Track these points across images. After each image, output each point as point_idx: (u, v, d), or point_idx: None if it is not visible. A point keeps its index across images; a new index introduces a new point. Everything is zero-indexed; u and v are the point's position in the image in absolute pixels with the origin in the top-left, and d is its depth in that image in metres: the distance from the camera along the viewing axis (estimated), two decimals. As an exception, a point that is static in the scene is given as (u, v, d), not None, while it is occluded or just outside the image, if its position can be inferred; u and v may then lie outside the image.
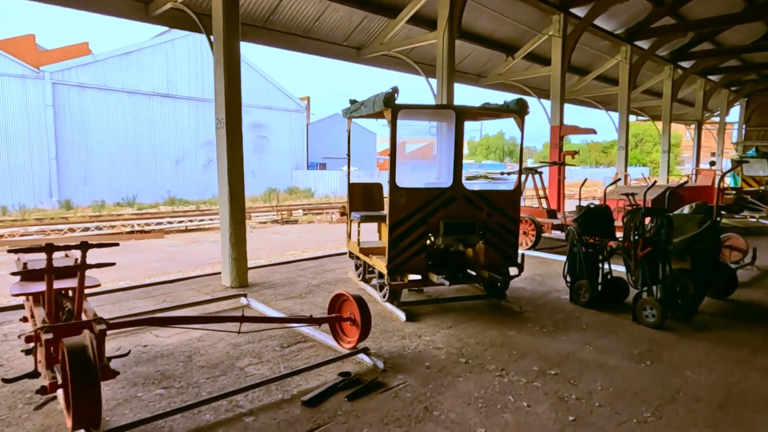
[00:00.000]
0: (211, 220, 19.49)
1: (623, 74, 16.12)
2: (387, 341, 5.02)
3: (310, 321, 4.57)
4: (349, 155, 7.60)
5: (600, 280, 6.40)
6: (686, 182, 6.10)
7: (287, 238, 16.40)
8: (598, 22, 13.55)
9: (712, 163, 14.17)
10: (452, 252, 6.02)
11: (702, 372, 4.38)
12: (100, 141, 28.58)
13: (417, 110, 5.94)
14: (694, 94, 22.43)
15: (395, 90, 5.53)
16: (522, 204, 11.00)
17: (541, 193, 10.89)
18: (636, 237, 5.68)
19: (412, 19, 11.13)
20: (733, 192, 16.02)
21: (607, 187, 9.40)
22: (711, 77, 21.97)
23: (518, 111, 6.07)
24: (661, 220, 5.74)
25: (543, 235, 10.27)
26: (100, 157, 28.60)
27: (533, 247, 10.00)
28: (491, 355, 4.71)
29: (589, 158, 70.91)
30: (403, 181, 5.69)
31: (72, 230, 16.65)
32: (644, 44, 16.24)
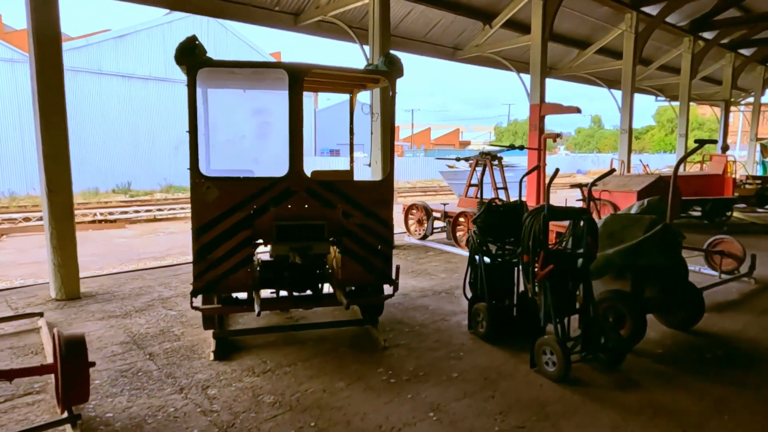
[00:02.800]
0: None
1: (685, 63, 16.53)
2: (151, 396, 3.53)
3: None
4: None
5: (515, 301, 4.75)
6: (612, 171, 4.25)
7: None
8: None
9: (725, 148, 12.04)
10: (298, 264, 4.42)
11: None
12: (95, 127, 27.93)
13: (230, 70, 4.37)
14: (722, 71, 19.82)
15: (192, 39, 3.97)
16: (484, 197, 9.28)
17: (500, 183, 9.10)
18: (536, 248, 3.98)
19: (506, 24, 12.32)
20: (757, 182, 13.74)
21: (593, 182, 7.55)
22: (742, 51, 19.32)
23: (388, 72, 4.43)
24: (584, 224, 4.02)
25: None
26: (95, 143, 27.95)
27: (424, 238, 9.29)
28: (279, 426, 3.16)
29: (610, 145, 67.03)
30: (218, 168, 4.18)
31: (28, 219, 15.78)
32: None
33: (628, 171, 14.21)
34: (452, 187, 22.10)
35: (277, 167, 4.40)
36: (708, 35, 16.66)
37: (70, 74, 26.54)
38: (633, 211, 4.96)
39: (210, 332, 4.47)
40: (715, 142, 4.51)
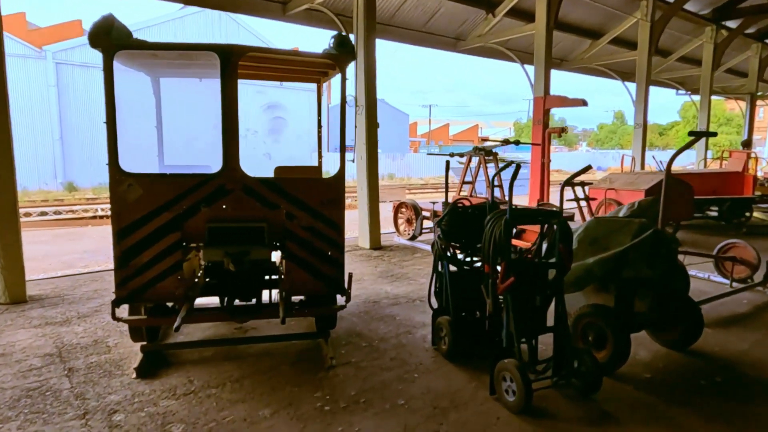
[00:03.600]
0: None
1: (707, 54, 15.91)
2: (47, 422, 3.11)
3: None
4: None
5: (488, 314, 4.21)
6: (588, 168, 3.66)
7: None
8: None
9: (746, 144, 11.19)
10: (240, 271, 3.94)
11: None
12: (142, 121, 27.97)
13: (153, 53, 3.91)
14: (748, 63, 18.76)
15: (109, 19, 3.52)
16: (476, 194, 8.72)
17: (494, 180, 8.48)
18: (497, 257, 3.43)
19: (510, 12, 11.78)
20: (782, 180, 12.82)
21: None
22: (770, 41, 18.24)
23: (336, 55, 3.92)
24: (557, 229, 3.47)
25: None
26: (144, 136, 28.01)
27: (413, 238, 8.86)
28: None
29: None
30: (138, 164, 3.74)
31: (28, 214, 15.71)
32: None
33: (642, 167, 13.45)
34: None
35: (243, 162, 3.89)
36: (732, 24, 15.74)
37: (81, 69, 26.91)
38: (622, 213, 4.36)
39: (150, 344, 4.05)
40: (713, 134, 3.89)
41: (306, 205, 3.97)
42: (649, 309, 4.09)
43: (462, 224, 4.15)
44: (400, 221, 9.12)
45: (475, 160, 8.82)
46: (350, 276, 4.19)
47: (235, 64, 3.70)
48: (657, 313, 4.04)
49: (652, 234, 3.83)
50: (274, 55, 4.02)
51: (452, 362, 3.99)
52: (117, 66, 4.04)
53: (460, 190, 8.84)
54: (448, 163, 4.85)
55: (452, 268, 4.20)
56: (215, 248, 3.79)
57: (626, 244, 3.87)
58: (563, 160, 51.51)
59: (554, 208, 7.86)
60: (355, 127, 7.86)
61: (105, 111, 3.59)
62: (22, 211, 16.35)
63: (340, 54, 3.90)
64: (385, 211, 9.30)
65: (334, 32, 9.26)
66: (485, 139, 9.28)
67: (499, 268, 3.39)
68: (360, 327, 4.75)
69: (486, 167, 8.40)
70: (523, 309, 3.44)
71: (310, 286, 4.07)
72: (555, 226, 3.50)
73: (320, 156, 5.79)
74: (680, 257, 6.41)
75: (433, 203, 8.67)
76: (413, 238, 8.76)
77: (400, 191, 23.49)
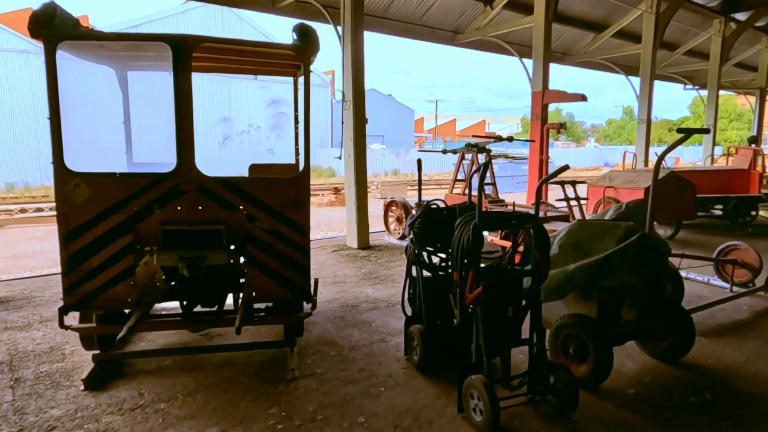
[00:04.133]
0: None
1: (714, 48, 15.45)
2: (-23, 440, 2.90)
3: None
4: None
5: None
6: (566, 167, 3.35)
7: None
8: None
9: (753, 140, 10.79)
10: (194, 277, 3.69)
11: None
12: (109, 117, 27.92)
13: (100, 43, 3.67)
14: (759, 56, 18.25)
15: (51, 6, 3.28)
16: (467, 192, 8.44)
17: (487, 178, 8.21)
18: (465, 265, 3.17)
19: (509, 4, 11.46)
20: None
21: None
22: (781, 34, 17.71)
23: (297, 46, 3.66)
24: (533, 234, 3.20)
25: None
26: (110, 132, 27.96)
27: (402, 238, 8.49)
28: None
29: (652, 136, 63.96)
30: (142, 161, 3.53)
31: (24, 210, 15.61)
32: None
33: (645, 164, 13.08)
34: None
35: (212, 159, 3.66)
36: (741, 16, 15.27)
37: (87, 65, 26.85)
38: (608, 216, 4.07)
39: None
40: (707, 131, 3.59)
41: (267, 207, 3.72)
42: (636, 318, 3.82)
43: (436, 226, 3.88)
44: (390, 220, 8.86)
45: (475, 158, 8.52)
46: (316, 281, 3.95)
47: (188, 55, 3.45)
48: (644, 323, 3.76)
49: (638, 239, 3.54)
50: (232, 47, 3.77)
51: (424, 375, 3.74)
52: (78, 59, 3.83)
53: (453, 188, 8.57)
54: (419, 161, 4.58)
55: (429, 273, 3.95)
56: (169, 252, 3.56)
57: (610, 249, 3.59)
58: (570, 157, 50.92)
59: (542, 210, 7.55)
60: (342, 122, 7.60)
61: (48, 105, 3.36)
62: (16, 207, 16.30)
63: (303, 45, 3.64)
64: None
65: (328, 25, 8.94)
66: (477, 136, 8.98)
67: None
68: (333, 334, 4.51)
69: (478, 164, 8.10)
70: (495, 320, 3.18)
71: (274, 292, 3.83)
72: (524, 233, 3.23)
73: (297, 154, 5.53)
74: (677, 261, 6.12)
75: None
76: (403, 237, 8.51)
77: (402, 188, 23.19)
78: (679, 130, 3.39)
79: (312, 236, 10.41)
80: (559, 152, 52.87)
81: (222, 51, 4.00)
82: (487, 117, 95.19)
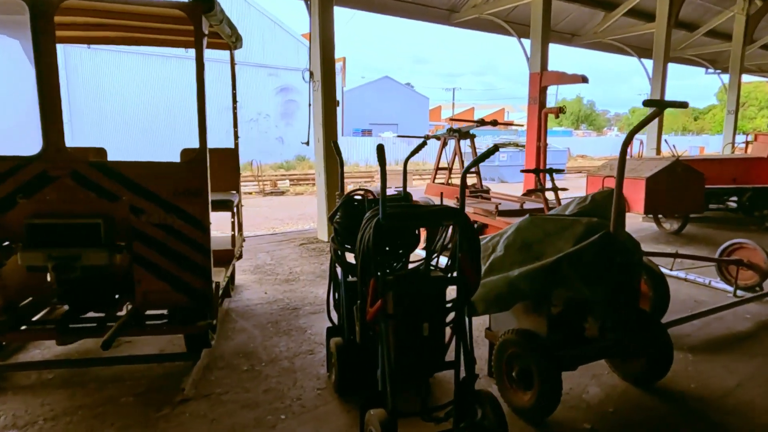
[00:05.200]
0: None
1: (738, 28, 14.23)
2: None
3: None
4: None
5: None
6: (494, 151, 2.64)
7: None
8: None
9: (774, 126, 9.84)
10: (66, 280, 3.13)
11: None
12: (115, 104, 27.82)
13: None
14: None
15: None
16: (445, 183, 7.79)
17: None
18: (366, 272, 2.55)
19: None
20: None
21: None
22: (813, 13, 16.40)
23: (186, 4, 3.06)
24: (459, 232, 2.55)
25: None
26: (115, 120, 27.84)
27: None
28: None
29: (676, 124, 61.77)
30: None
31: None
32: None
33: (658, 153, 12.17)
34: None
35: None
36: (767, -7, 14.10)
37: (89, 52, 26.67)
38: (570, 210, 3.38)
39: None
40: (683, 105, 2.87)
41: (156, 197, 3.15)
42: (599, 336, 3.15)
43: (359, 222, 3.26)
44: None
45: (458, 144, 7.84)
46: (217, 285, 3.37)
47: (50, 15, 2.87)
48: (605, 341, 3.09)
49: (598, 239, 2.87)
50: (106, 5, 3.17)
51: (341, 398, 3.15)
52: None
53: (435, 178, 7.90)
54: (381, 147, 3.94)
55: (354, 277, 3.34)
56: (36, 251, 3.01)
57: (565, 251, 2.92)
58: (590, 146, 49.44)
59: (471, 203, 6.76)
60: (309, 104, 6.99)
61: None
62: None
63: (193, 3, 3.03)
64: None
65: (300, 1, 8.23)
66: (456, 119, 8.27)
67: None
68: (256, 343, 3.93)
69: (460, 151, 7.42)
70: (406, 340, 2.56)
71: (168, 297, 3.26)
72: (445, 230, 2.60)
73: (236, 137, 4.96)
74: (673, 261, 5.38)
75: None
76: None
77: (409, 177, 22.51)
78: (645, 103, 2.71)
79: (285, 228, 9.84)
80: (578, 141, 51.40)
81: (96, 14, 3.40)
82: (507, 105, 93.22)
